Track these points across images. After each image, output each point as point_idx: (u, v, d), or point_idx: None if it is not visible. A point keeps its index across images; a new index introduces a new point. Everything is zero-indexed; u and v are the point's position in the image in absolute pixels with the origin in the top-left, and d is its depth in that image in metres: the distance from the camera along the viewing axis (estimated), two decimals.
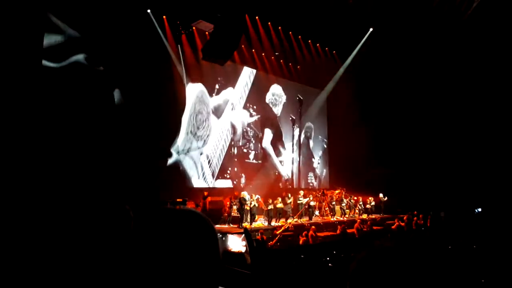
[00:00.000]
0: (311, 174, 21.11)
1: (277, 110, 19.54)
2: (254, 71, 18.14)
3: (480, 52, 16.44)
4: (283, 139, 19.59)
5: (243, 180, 16.94)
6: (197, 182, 15.04)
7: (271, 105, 19.14)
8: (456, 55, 17.07)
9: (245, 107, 17.76)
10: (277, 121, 19.42)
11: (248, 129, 17.85)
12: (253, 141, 18.01)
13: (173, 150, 14.22)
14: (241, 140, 17.35)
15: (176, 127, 14.50)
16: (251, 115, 18.00)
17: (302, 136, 20.60)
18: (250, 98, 17.97)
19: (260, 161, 18.23)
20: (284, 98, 19.82)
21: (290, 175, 19.63)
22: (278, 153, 19.21)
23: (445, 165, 18.50)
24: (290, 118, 19.32)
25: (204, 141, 15.09)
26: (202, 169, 14.98)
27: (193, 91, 15.08)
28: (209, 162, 15.20)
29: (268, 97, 19.05)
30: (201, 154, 14.94)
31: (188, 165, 14.46)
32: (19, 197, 8.70)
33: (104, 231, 2.03)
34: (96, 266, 1.69)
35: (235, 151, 17.04)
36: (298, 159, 19.81)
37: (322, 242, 11.23)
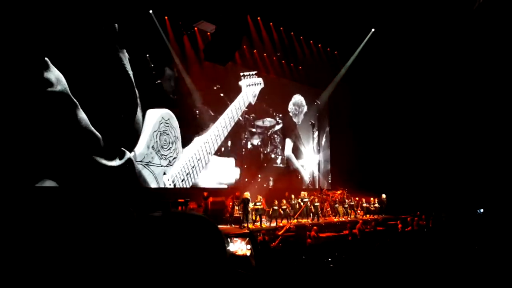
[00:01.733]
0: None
1: (298, 119, 20.38)
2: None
3: (481, 53, 16.41)
4: (305, 143, 20.59)
5: (271, 183, 18.04)
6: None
7: (291, 114, 19.99)
8: (458, 54, 17.05)
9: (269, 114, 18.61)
10: (297, 129, 20.24)
11: (275, 136, 19.01)
12: (280, 147, 19.19)
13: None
14: (269, 147, 18.57)
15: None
16: (277, 123, 19.06)
17: (324, 140, 21.63)
18: (272, 105, 18.81)
19: (285, 165, 19.42)
20: (305, 108, 20.68)
21: (311, 178, 20.70)
22: (300, 158, 20.21)
23: (447, 165, 18.46)
24: (310, 123, 20.38)
25: (169, 161, 14.55)
26: (164, 185, 14.36)
27: (156, 113, 14.27)
28: (173, 182, 14.61)
29: (290, 107, 19.89)
30: (164, 173, 14.35)
31: (148, 177, 13.80)
32: (20, 197, 8.73)
33: (107, 232, 2.03)
34: (98, 268, 1.70)
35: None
36: (317, 162, 20.91)
37: (325, 242, 11.22)
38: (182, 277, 0.90)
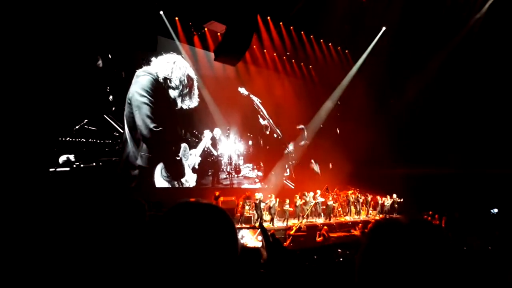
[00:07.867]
0: None
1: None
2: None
3: (492, 51, 16.17)
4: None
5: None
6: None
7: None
8: (468, 53, 16.81)
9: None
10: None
11: None
12: None
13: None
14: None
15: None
16: None
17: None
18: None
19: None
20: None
21: None
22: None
23: (460, 165, 18.22)
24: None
25: None
26: None
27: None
28: None
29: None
30: None
31: None
32: (37, 191, 8.90)
33: (120, 224, 2.09)
34: (111, 257, 1.73)
35: None
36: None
37: (335, 242, 11.18)
38: (192, 264, 0.91)
